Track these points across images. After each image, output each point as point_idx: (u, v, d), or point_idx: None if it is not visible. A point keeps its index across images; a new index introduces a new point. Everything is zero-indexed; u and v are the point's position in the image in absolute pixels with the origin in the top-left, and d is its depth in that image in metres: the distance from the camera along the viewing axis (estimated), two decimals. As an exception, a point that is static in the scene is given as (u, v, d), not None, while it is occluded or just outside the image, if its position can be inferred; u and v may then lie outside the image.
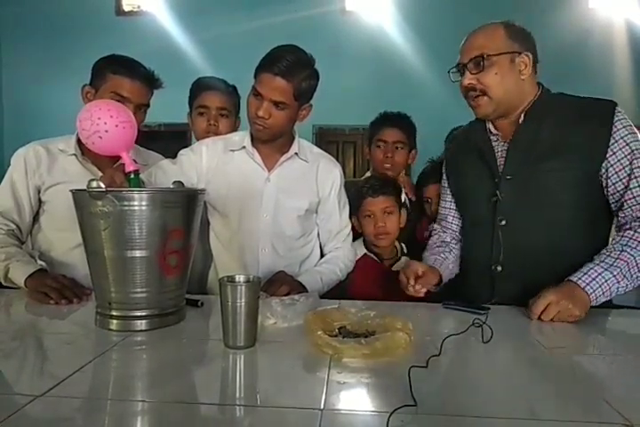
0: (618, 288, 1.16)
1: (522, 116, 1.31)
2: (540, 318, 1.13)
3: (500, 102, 1.28)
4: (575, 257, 1.25)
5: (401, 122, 1.91)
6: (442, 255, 1.47)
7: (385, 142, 1.88)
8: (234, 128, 1.80)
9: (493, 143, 1.37)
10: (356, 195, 1.68)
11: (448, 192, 1.54)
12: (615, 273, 1.15)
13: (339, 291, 1.54)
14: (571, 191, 1.26)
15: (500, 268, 1.33)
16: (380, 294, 1.41)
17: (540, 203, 1.28)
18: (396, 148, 1.88)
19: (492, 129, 1.37)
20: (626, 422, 0.66)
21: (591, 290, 1.14)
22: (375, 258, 1.68)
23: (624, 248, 1.18)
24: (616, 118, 1.22)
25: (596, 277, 1.15)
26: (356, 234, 1.70)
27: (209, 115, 1.75)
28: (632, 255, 1.17)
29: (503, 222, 1.32)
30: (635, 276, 1.17)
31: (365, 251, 1.69)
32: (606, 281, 1.15)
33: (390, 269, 1.67)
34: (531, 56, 1.27)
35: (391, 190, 1.67)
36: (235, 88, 1.84)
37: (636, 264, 1.16)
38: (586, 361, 0.94)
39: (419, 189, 1.85)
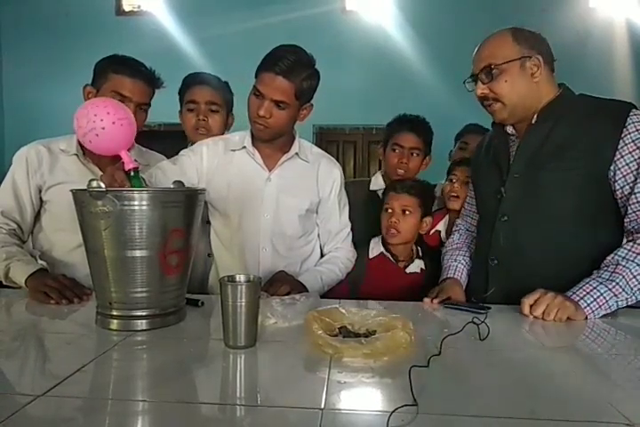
0: (617, 302, 1.16)
1: (535, 116, 1.32)
2: (531, 313, 1.15)
3: (515, 107, 1.30)
4: (572, 258, 1.26)
5: (419, 127, 1.88)
6: (462, 261, 1.52)
7: (401, 147, 1.85)
8: (225, 125, 1.77)
9: (511, 143, 1.39)
10: (385, 190, 1.73)
11: (473, 189, 1.59)
12: (611, 287, 1.15)
13: (350, 287, 1.54)
14: (573, 192, 1.26)
15: (495, 262, 1.36)
16: (391, 294, 1.41)
17: (540, 202, 1.29)
18: (412, 153, 1.85)
19: (510, 129, 1.38)
20: (627, 423, 0.66)
21: (585, 304, 1.15)
22: (390, 258, 1.67)
23: (620, 261, 1.17)
24: (629, 121, 1.21)
25: (591, 291, 1.16)
26: (363, 237, 1.70)
27: (198, 110, 1.71)
28: (628, 268, 1.16)
29: (504, 219, 1.35)
30: (635, 289, 1.16)
31: (382, 250, 1.68)
32: (602, 295, 1.15)
33: (404, 270, 1.66)
34: (541, 58, 1.27)
35: (418, 192, 1.67)
36: (227, 84, 1.81)
37: (634, 277, 1.16)
38: (587, 361, 0.94)
39: (449, 171, 1.86)
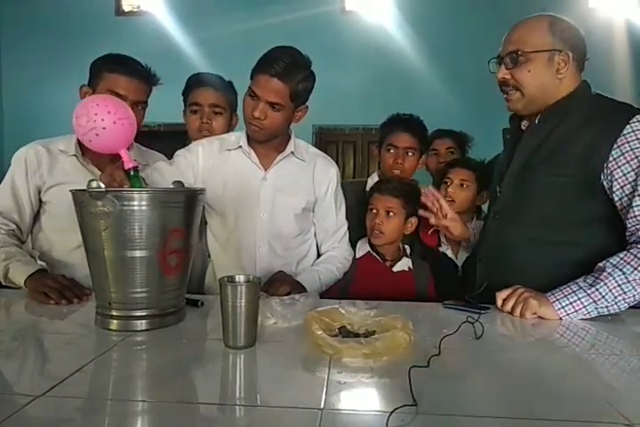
0: (597, 308, 1.14)
1: (538, 116, 1.30)
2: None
3: (532, 99, 1.27)
4: (555, 260, 1.25)
5: (413, 126, 1.87)
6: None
7: (395, 147, 1.84)
8: (229, 126, 1.76)
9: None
10: (369, 190, 1.72)
11: None
12: (590, 292, 1.13)
13: (339, 288, 1.55)
14: (559, 196, 1.24)
15: (482, 258, 1.38)
16: (380, 294, 1.42)
17: (526, 203, 1.29)
18: (407, 153, 1.83)
19: (524, 125, 1.36)
20: (626, 423, 0.66)
21: (559, 305, 1.15)
22: (377, 257, 1.68)
23: (607, 268, 1.15)
24: (629, 128, 1.15)
25: (569, 294, 1.15)
26: (359, 236, 1.71)
27: (202, 112, 1.70)
28: (612, 276, 1.13)
29: (496, 217, 1.36)
30: (619, 298, 1.13)
31: (369, 249, 1.69)
32: (579, 299, 1.14)
33: (391, 269, 1.67)
34: (571, 54, 1.22)
35: (402, 193, 1.67)
36: (231, 84, 1.80)
37: (619, 285, 1.12)
38: (586, 361, 0.93)
39: (444, 174, 1.85)
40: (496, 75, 1.29)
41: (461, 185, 1.73)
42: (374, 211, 1.66)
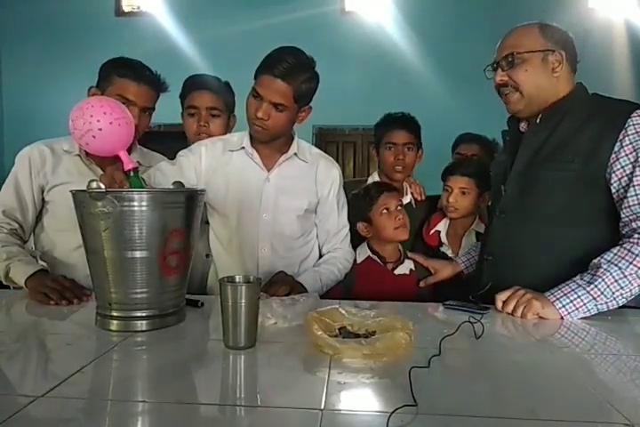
0: (596, 305, 1.14)
1: (540, 116, 1.31)
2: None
3: (531, 99, 1.29)
4: (561, 258, 1.25)
5: (408, 123, 1.91)
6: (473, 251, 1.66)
7: (395, 144, 1.88)
8: (227, 127, 1.76)
9: (521, 141, 1.39)
10: (362, 198, 1.68)
11: None
12: (589, 289, 1.14)
13: (342, 292, 1.54)
14: (563, 193, 1.25)
15: (490, 258, 1.38)
16: (383, 297, 1.41)
17: (532, 201, 1.30)
18: (406, 149, 1.88)
19: (523, 127, 1.38)
20: (626, 422, 0.66)
21: (560, 304, 1.15)
22: (379, 261, 1.67)
23: (603, 264, 1.15)
24: (630, 123, 1.18)
25: (569, 292, 1.15)
26: (361, 238, 1.70)
27: (199, 115, 1.70)
28: (609, 271, 1.13)
29: (502, 216, 1.37)
30: (617, 293, 1.14)
31: (369, 253, 1.68)
32: (579, 297, 1.14)
33: (393, 272, 1.66)
34: (564, 54, 1.27)
35: (397, 191, 1.72)
36: (228, 85, 1.79)
37: (615, 281, 1.13)
38: (587, 361, 0.94)
39: (442, 180, 1.85)
40: (493, 79, 1.33)
41: (462, 193, 1.73)
42: (388, 209, 1.64)
